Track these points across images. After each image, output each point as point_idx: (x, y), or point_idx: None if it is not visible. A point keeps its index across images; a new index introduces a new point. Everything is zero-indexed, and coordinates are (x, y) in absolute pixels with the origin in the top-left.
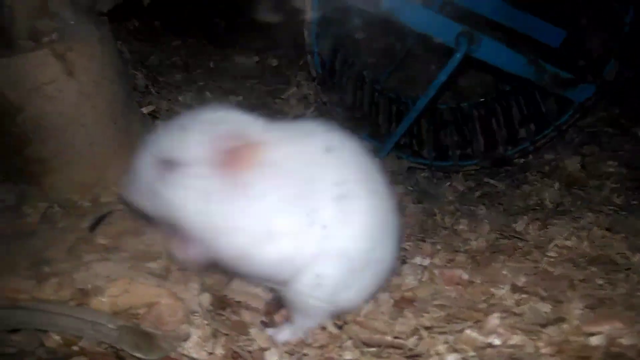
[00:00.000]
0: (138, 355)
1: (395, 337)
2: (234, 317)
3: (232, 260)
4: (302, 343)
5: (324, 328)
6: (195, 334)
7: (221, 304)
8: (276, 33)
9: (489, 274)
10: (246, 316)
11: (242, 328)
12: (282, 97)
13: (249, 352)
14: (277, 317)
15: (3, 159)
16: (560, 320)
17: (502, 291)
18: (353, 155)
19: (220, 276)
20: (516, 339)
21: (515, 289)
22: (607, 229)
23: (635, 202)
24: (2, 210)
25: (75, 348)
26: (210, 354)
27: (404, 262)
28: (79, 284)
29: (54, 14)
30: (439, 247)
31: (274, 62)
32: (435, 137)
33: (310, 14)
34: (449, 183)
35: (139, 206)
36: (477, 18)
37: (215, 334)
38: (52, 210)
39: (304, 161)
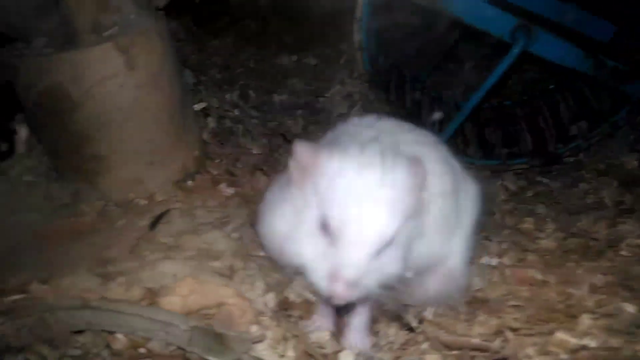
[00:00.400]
0: (210, 358)
1: (483, 340)
2: (300, 318)
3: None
4: (377, 344)
5: (397, 330)
6: (267, 336)
7: (285, 304)
8: (313, 33)
9: (563, 273)
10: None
11: (309, 329)
12: (326, 95)
13: (323, 354)
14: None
15: (59, 156)
16: None
17: (580, 291)
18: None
19: (280, 276)
20: (613, 342)
21: (594, 289)
22: None
23: None
24: (57, 209)
25: (142, 350)
26: (282, 356)
27: (471, 262)
28: (147, 283)
29: (115, 7)
30: (505, 246)
31: (313, 62)
32: (479, 136)
33: (361, 10)
34: (500, 182)
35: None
36: (523, 12)
37: (285, 336)
38: (109, 208)
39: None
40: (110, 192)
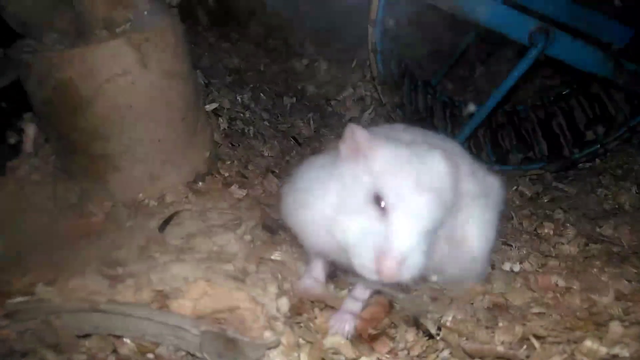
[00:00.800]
0: None
1: (508, 348)
2: (312, 323)
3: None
4: (394, 351)
5: (415, 335)
6: (281, 342)
7: (297, 309)
8: (323, 38)
9: (586, 280)
10: (324, 321)
11: (324, 335)
12: (338, 98)
13: None
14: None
15: (68, 155)
16: None
17: (606, 298)
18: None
19: (294, 278)
20: None
21: (620, 296)
22: None
23: None
24: (65, 210)
25: (150, 356)
26: None
27: (492, 267)
28: (157, 285)
29: (129, 3)
30: (525, 251)
31: (324, 65)
32: (492, 141)
33: (376, 12)
34: (515, 187)
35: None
36: (539, 17)
37: (299, 342)
38: (117, 209)
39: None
40: (119, 193)
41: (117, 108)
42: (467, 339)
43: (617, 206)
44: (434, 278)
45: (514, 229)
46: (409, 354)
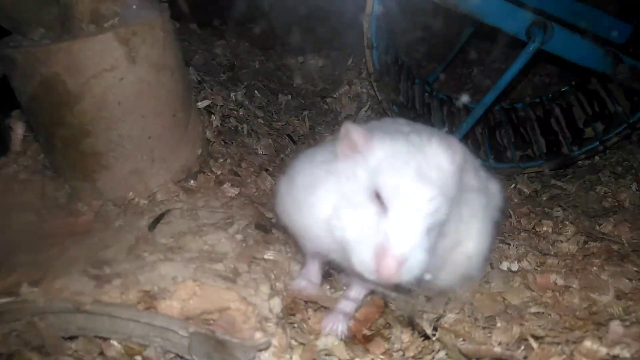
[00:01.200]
0: None
1: (505, 349)
2: (305, 324)
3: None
4: (389, 352)
5: (410, 336)
6: (272, 343)
7: (290, 310)
8: (319, 35)
9: (586, 278)
10: (317, 322)
11: (317, 336)
12: (333, 95)
13: None
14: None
15: (56, 153)
16: None
17: (606, 297)
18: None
19: (287, 279)
20: None
21: (620, 295)
22: None
23: None
24: (53, 208)
25: (137, 358)
26: None
27: (490, 265)
28: (145, 285)
29: None
30: (523, 250)
31: (320, 63)
32: (490, 138)
33: (372, 7)
34: (513, 185)
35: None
36: (537, 13)
37: (291, 343)
38: (107, 208)
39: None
40: (108, 191)
41: (105, 104)
42: (463, 340)
43: (616, 203)
44: (427, 277)
45: (512, 227)
46: (404, 355)
